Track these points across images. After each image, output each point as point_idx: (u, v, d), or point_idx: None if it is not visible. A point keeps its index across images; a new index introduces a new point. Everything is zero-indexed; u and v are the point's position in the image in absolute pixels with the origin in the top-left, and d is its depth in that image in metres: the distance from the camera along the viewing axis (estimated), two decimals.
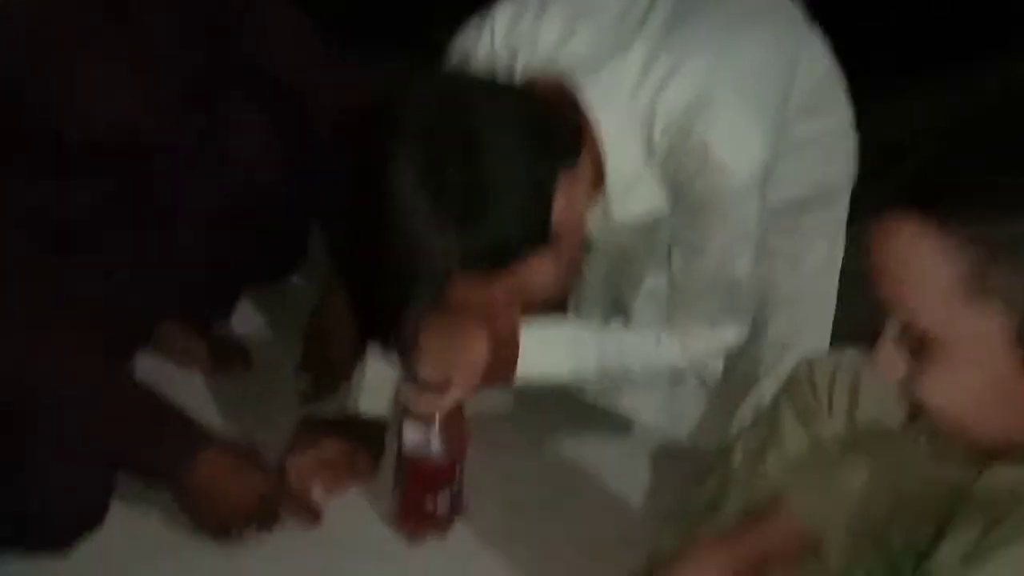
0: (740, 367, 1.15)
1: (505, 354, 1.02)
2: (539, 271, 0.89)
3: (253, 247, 1.30)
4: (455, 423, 1.10)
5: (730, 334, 1.05)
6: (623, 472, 1.35)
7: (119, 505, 1.10)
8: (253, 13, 1.10)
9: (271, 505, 1.07)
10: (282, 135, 1.18)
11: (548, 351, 1.05)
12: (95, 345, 1.02)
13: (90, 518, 1.06)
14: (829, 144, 1.13)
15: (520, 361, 1.03)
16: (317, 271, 1.44)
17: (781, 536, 0.85)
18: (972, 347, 0.60)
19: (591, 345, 1.06)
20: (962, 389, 0.62)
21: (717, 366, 1.10)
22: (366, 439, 1.18)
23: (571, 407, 1.52)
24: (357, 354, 1.17)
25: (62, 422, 0.98)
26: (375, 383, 1.15)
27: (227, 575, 1.10)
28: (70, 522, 1.04)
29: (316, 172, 1.20)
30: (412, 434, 1.09)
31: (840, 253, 1.18)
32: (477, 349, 1.01)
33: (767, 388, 1.10)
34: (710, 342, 1.05)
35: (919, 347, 0.62)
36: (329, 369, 1.27)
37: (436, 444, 1.09)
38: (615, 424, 1.47)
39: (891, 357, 0.64)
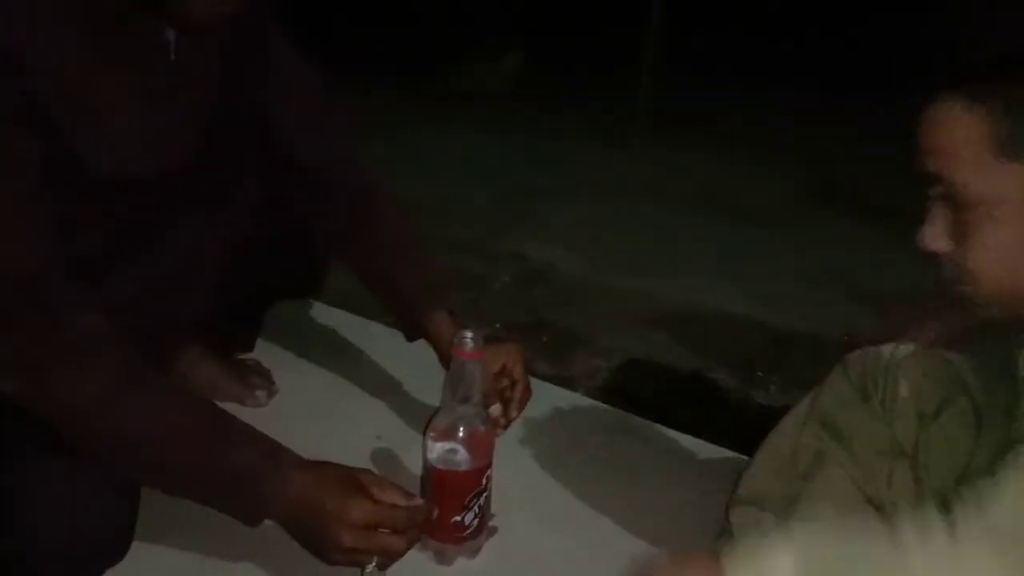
0: None
1: None
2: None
3: (270, 273, 1.32)
4: (481, 435, 1.09)
5: None
6: (655, 482, 1.32)
7: (140, 537, 1.07)
8: (277, 71, 1.15)
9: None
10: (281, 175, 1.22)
11: None
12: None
13: (113, 551, 1.02)
14: None
15: None
16: (336, 293, 1.44)
17: None
18: (1006, 207, 0.72)
19: None
20: (998, 248, 0.73)
21: None
22: None
23: (599, 416, 1.51)
24: None
25: (87, 451, 0.94)
26: None
27: None
28: (92, 556, 1.00)
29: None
30: (438, 447, 1.08)
31: None
32: None
33: None
34: None
35: (960, 217, 0.74)
36: None
37: (462, 456, 1.07)
38: (646, 434, 1.46)
39: (936, 232, 0.77)
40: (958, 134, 0.73)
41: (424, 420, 1.23)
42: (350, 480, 0.95)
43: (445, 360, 1.35)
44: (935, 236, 0.78)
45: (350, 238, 1.30)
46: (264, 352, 1.51)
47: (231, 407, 1.37)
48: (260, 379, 1.43)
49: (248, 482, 0.94)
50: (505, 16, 4.21)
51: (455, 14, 4.21)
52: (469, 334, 1.05)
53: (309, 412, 1.41)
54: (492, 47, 4.05)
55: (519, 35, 4.11)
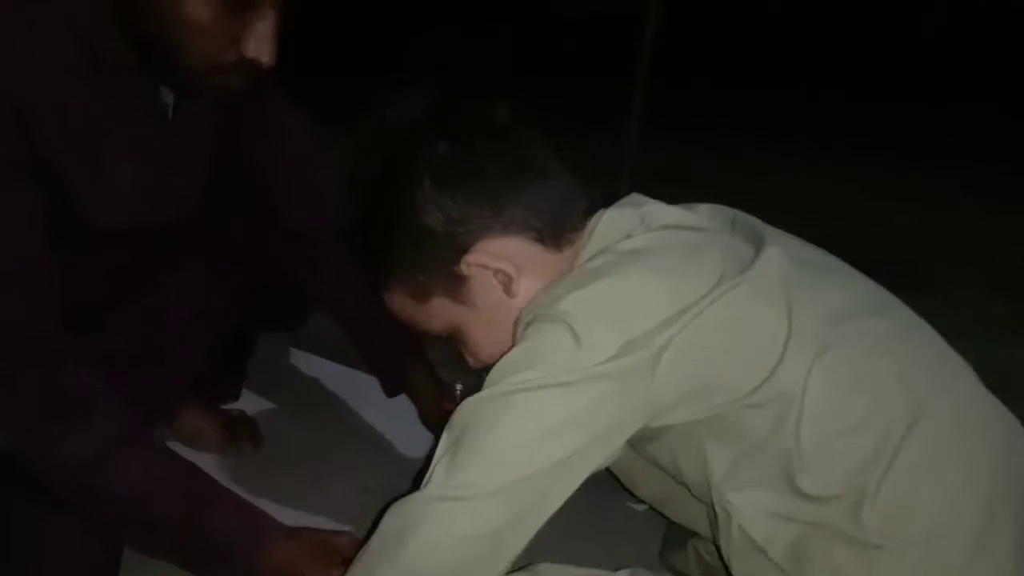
0: None
1: None
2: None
3: (256, 319, 1.32)
4: None
5: None
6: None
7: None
8: (273, 130, 1.18)
9: None
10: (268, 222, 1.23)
11: None
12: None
13: None
14: None
15: None
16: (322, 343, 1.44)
17: None
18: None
19: None
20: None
21: None
22: None
23: None
24: None
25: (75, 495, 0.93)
26: None
27: None
28: None
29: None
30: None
31: None
32: None
33: None
34: None
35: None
36: None
37: None
38: None
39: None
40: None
41: (412, 472, 1.22)
42: (330, 549, 0.94)
43: (425, 418, 1.36)
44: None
45: (332, 293, 1.33)
46: (249, 403, 1.50)
47: (216, 459, 1.37)
48: (246, 430, 1.42)
49: (228, 551, 0.93)
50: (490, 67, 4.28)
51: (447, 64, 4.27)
52: (459, 386, 1.05)
53: (295, 463, 1.39)
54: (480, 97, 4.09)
55: (503, 84, 4.15)
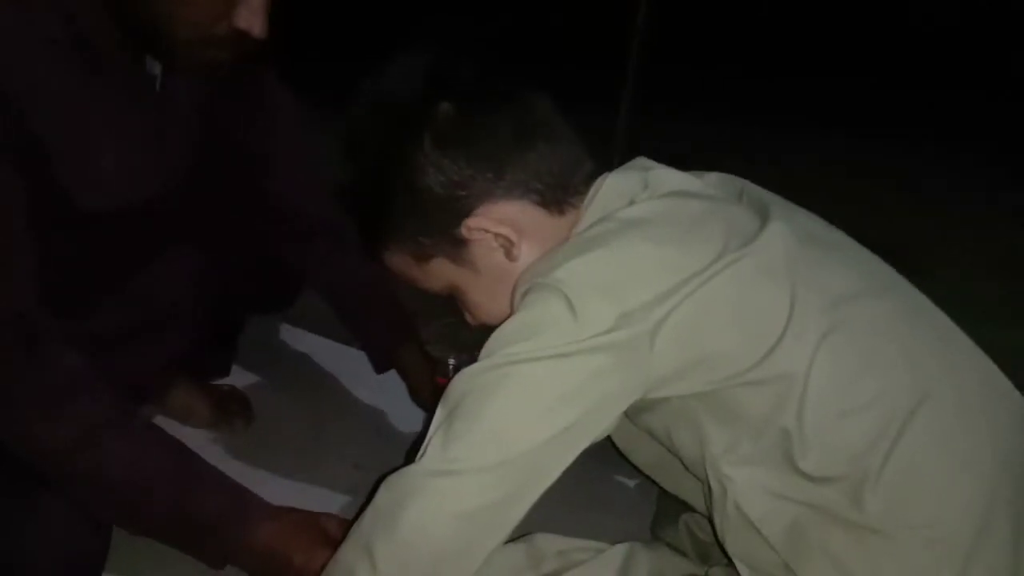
0: None
1: None
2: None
3: (245, 296, 1.32)
4: None
5: None
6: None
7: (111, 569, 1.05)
8: (261, 106, 1.17)
9: None
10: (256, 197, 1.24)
11: None
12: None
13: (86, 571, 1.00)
14: None
15: None
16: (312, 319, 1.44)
17: None
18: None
19: None
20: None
21: None
22: None
23: None
24: None
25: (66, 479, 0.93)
26: None
27: None
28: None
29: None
30: None
31: None
32: None
33: None
34: None
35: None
36: None
37: None
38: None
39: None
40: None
41: (403, 447, 1.23)
42: (317, 530, 0.94)
43: (414, 392, 1.36)
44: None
45: (322, 271, 1.33)
46: (240, 378, 1.50)
47: (208, 435, 1.37)
48: (237, 405, 1.42)
49: (214, 530, 0.93)
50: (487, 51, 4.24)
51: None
52: (452, 361, 1.05)
53: (286, 439, 1.39)
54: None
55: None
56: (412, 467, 0.77)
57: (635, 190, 0.85)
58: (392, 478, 0.78)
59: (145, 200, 1.00)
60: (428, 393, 1.32)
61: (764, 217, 0.82)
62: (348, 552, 0.79)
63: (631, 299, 0.75)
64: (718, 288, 0.76)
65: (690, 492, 0.94)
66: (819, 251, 0.84)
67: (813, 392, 0.76)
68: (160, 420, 1.32)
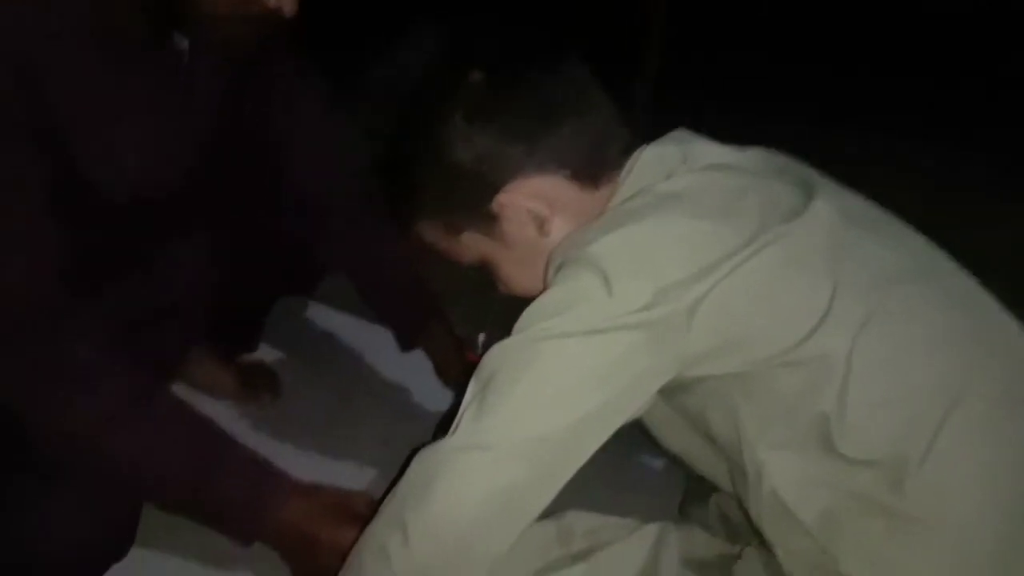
0: None
1: None
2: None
3: (272, 274, 1.32)
4: None
5: None
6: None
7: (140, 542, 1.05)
8: (283, 89, 1.17)
9: None
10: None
11: None
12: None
13: (113, 551, 1.01)
14: None
15: None
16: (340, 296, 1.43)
17: None
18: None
19: None
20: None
21: None
22: None
23: None
24: None
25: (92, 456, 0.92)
26: None
27: None
28: (92, 557, 0.99)
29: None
30: None
31: None
32: None
33: None
34: None
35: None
36: None
37: None
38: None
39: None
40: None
41: (431, 425, 1.22)
42: (344, 508, 0.93)
43: (440, 371, 1.35)
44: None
45: (340, 251, 1.32)
46: (268, 355, 1.50)
47: (236, 408, 1.37)
48: (265, 379, 1.42)
49: (240, 508, 0.93)
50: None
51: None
52: (483, 337, 1.04)
53: (314, 416, 1.40)
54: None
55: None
56: (444, 441, 0.76)
57: (673, 163, 0.83)
58: (424, 452, 0.77)
59: (165, 182, 1.00)
60: (454, 372, 1.32)
61: (809, 194, 0.80)
62: (380, 526, 0.79)
63: (668, 275, 0.73)
64: (759, 266, 0.74)
65: (723, 476, 0.93)
66: (864, 231, 0.82)
67: (856, 375, 0.74)
68: (189, 394, 1.33)
